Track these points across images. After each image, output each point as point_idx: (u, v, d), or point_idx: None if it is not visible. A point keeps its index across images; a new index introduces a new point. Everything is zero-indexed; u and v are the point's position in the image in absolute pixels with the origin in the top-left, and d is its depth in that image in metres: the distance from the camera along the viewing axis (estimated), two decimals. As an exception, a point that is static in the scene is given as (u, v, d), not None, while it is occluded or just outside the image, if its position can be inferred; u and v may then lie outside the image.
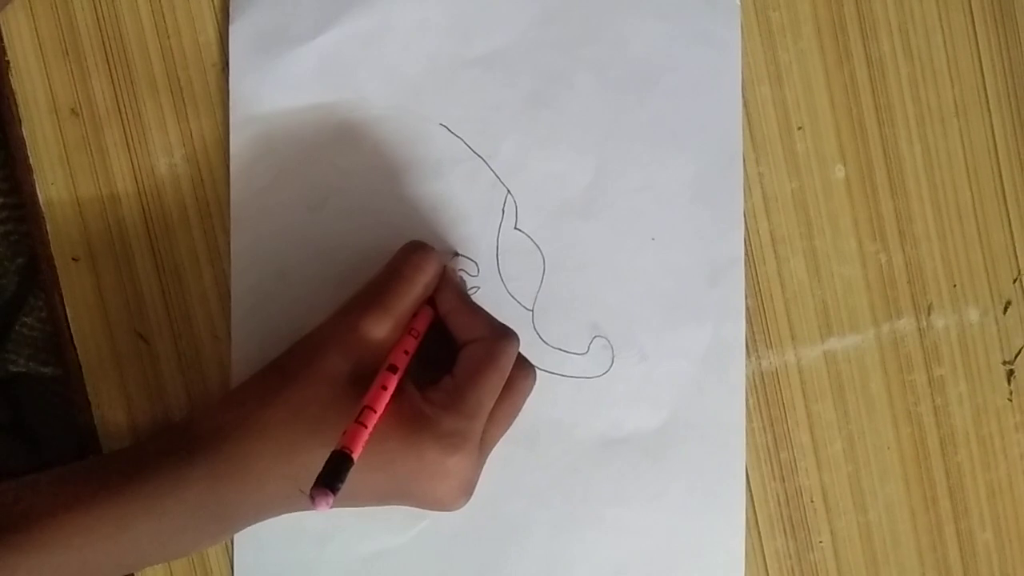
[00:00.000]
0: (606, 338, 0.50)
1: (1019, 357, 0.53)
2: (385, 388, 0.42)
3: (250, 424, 0.42)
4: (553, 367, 0.50)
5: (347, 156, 0.49)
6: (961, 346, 0.53)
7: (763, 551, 0.52)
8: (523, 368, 0.46)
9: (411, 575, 0.50)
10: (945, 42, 0.52)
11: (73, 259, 0.47)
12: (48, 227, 0.47)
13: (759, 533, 0.52)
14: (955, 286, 0.52)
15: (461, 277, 0.49)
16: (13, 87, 0.47)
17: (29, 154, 0.47)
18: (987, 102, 0.52)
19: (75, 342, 0.47)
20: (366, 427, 0.40)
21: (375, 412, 0.40)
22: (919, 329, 0.52)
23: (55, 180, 0.47)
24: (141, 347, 0.48)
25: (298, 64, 0.48)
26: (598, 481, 0.50)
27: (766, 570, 0.52)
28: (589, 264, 0.50)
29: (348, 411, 0.41)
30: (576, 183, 0.50)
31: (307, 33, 0.48)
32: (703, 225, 0.50)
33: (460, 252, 0.49)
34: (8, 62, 0.47)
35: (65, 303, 0.47)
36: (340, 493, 0.38)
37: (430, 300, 0.46)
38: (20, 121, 0.47)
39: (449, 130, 0.49)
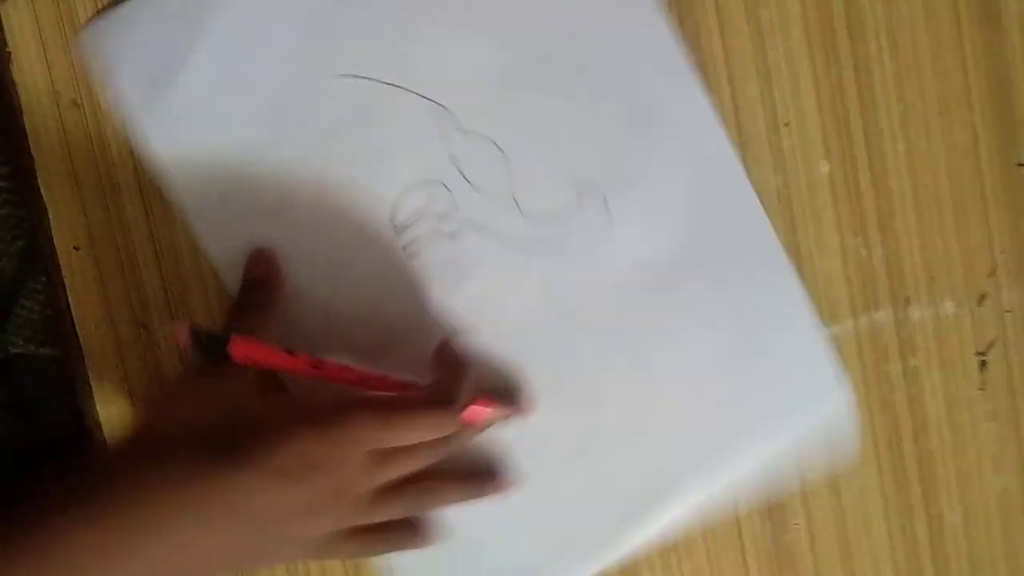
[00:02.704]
0: (593, 187, 0.50)
1: (992, 348, 0.54)
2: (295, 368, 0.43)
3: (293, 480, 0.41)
4: (558, 239, 0.50)
5: (275, 143, 0.49)
6: (936, 337, 0.54)
7: (740, 532, 0.54)
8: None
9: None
10: (931, 42, 0.53)
11: (74, 248, 0.48)
12: (50, 216, 0.48)
13: (737, 515, 0.54)
14: (933, 279, 0.54)
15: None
16: (15, 78, 0.47)
17: (31, 144, 0.47)
18: (970, 102, 0.53)
19: (76, 329, 0.48)
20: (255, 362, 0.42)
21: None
22: (896, 321, 0.54)
23: (57, 170, 0.48)
24: (141, 334, 0.49)
25: (191, 86, 0.48)
26: (648, 315, 0.51)
27: (743, 551, 0.54)
28: (544, 129, 0.50)
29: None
30: (493, 65, 0.49)
31: (180, 55, 0.48)
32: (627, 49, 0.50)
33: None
34: (9, 53, 0.47)
35: (67, 291, 0.48)
36: None
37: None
38: (22, 111, 0.47)
39: (355, 76, 0.49)
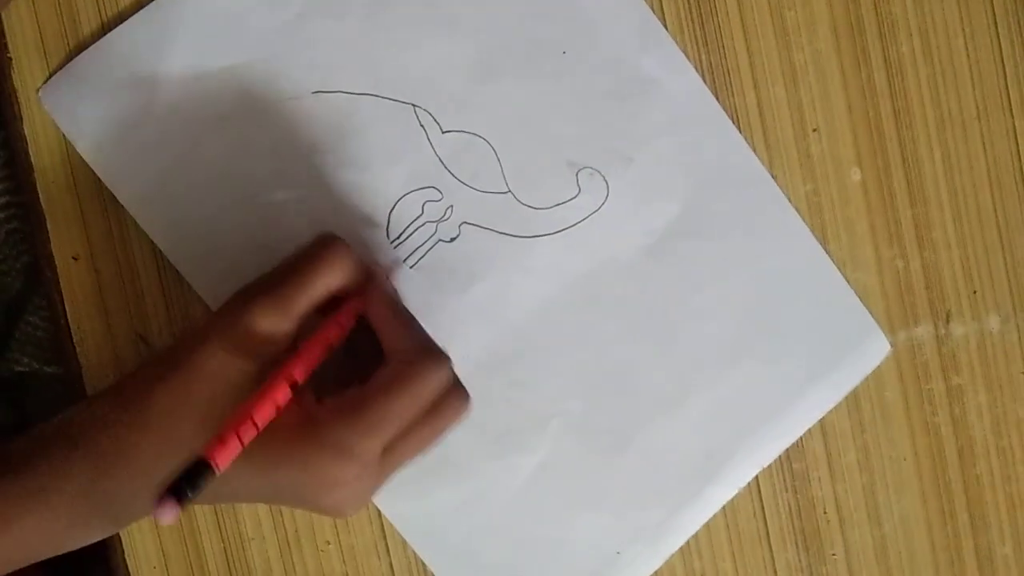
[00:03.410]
0: (588, 166, 0.49)
1: (1041, 367, 0.52)
2: (277, 406, 0.39)
3: (131, 415, 0.41)
4: (561, 224, 0.49)
5: (254, 173, 0.47)
6: (981, 355, 0.51)
7: (774, 564, 0.51)
8: (455, 395, 0.43)
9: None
10: (966, 44, 0.50)
11: (73, 258, 0.47)
12: (48, 225, 0.47)
13: (770, 545, 0.50)
14: (975, 293, 0.51)
15: (395, 288, 0.47)
16: (15, 85, 0.47)
17: (31, 152, 0.47)
18: (1010, 106, 0.51)
19: (75, 341, 0.47)
20: (240, 442, 0.37)
21: (256, 427, 0.38)
22: (937, 337, 0.51)
23: (56, 178, 0.47)
24: (141, 348, 0.47)
25: (157, 127, 0.47)
26: (667, 288, 0.50)
27: (777, 583, 0.50)
28: (529, 115, 0.49)
29: (231, 407, 0.39)
30: (464, 57, 0.48)
31: (141, 98, 0.47)
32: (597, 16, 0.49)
33: (405, 262, 0.48)
34: (10, 59, 0.47)
35: (65, 302, 0.47)
36: (214, 494, 0.36)
37: (352, 308, 0.44)
38: (22, 119, 0.47)
39: (324, 92, 0.48)
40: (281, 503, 0.42)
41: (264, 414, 0.38)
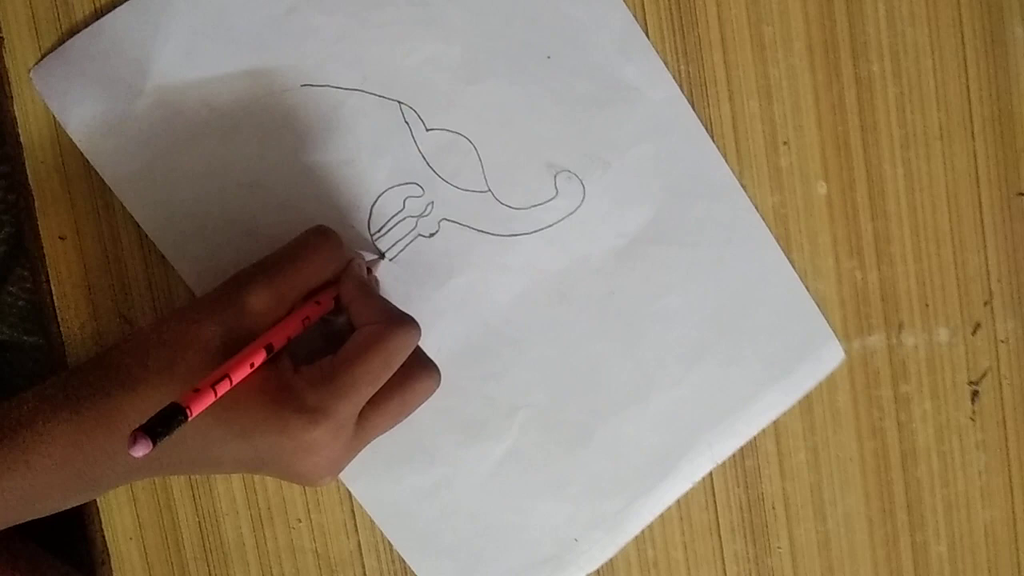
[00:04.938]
0: (566, 170, 0.50)
1: (984, 378, 0.54)
2: (252, 364, 0.41)
3: (118, 382, 0.42)
4: (538, 225, 0.51)
5: (241, 162, 0.49)
6: (929, 365, 0.54)
7: (723, 554, 0.53)
8: (422, 365, 0.45)
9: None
10: (935, 66, 0.52)
11: (60, 237, 0.48)
12: (36, 204, 0.47)
13: (720, 537, 0.53)
14: (927, 306, 0.53)
15: (376, 279, 0.49)
16: (6, 64, 0.47)
17: (20, 132, 0.47)
18: (972, 128, 0.53)
19: (59, 319, 0.48)
20: (214, 392, 0.39)
21: (229, 380, 0.40)
22: (889, 346, 0.53)
23: (45, 159, 0.47)
24: (124, 328, 0.48)
25: (146, 114, 0.48)
26: (636, 290, 0.51)
27: (724, 572, 0.53)
28: (511, 116, 0.50)
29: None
30: (451, 57, 0.50)
31: (132, 84, 0.48)
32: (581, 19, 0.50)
33: (385, 255, 0.50)
34: (2, 39, 0.47)
35: (50, 280, 0.48)
36: (201, 456, 0.38)
37: (332, 291, 0.46)
38: (12, 98, 0.47)
39: (313, 85, 0.49)
40: (260, 470, 0.44)
41: (239, 371, 0.40)
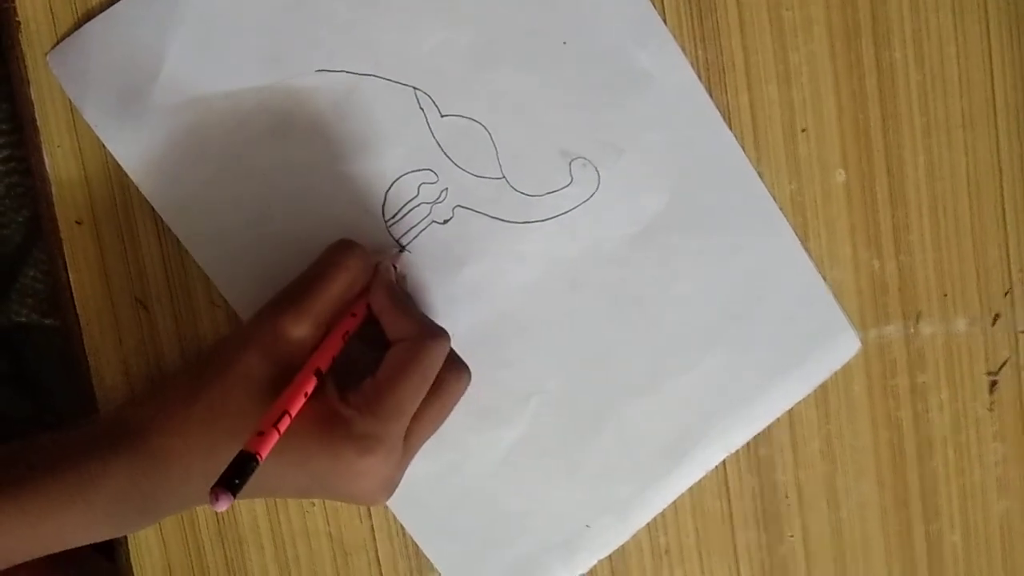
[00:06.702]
0: (581, 156, 0.50)
1: (1002, 369, 0.54)
2: (305, 393, 0.42)
3: (172, 423, 0.43)
4: (552, 212, 0.50)
5: (256, 148, 0.49)
6: (946, 355, 0.53)
7: (735, 542, 0.53)
8: (455, 369, 0.46)
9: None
10: (958, 53, 0.51)
11: (77, 222, 0.48)
12: (53, 189, 0.48)
13: (732, 524, 0.53)
14: (946, 296, 0.53)
15: (403, 274, 0.49)
16: (23, 48, 0.47)
17: (36, 116, 0.47)
18: (995, 116, 0.52)
19: (76, 304, 0.48)
20: (278, 431, 0.40)
21: (289, 415, 0.41)
22: (906, 336, 0.53)
23: (61, 143, 0.48)
24: (140, 313, 0.49)
25: (162, 100, 0.48)
26: (650, 277, 0.51)
27: (736, 560, 0.53)
28: (526, 103, 0.50)
29: (265, 406, 0.42)
30: (465, 43, 0.49)
31: (148, 69, 0.47)
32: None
33: (405, 247, 0.50)
34: (19, 22, 0.47)
35: (68, 266, 0.48)
36: (258, 487, 0.39)
37: (364, 298, 0.46)
38: (29, 82, 0.47)
39: (328, 71, 0.48)
40: (316, 495, 0.46)
41: (296, 403, 0.41)
